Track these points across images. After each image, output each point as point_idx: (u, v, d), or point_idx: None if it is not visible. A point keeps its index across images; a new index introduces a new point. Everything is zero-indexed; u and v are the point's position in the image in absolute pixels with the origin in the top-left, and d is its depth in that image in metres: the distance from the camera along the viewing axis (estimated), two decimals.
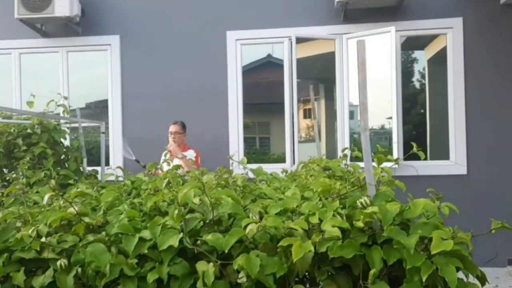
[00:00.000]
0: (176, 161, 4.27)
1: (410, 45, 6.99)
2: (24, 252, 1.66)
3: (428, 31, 5.26)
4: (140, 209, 1.95)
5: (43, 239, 1.61)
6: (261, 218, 1.63)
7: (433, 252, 1.27)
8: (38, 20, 5.21)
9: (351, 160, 3.20)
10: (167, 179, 1.80)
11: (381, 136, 5.47)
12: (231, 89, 5.36)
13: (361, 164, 2.89)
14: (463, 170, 5.06)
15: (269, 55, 7.27)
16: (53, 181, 1.44)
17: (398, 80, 5.06)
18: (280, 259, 1.50)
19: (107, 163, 5.36)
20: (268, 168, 4.64)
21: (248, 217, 1.67)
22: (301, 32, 5.20)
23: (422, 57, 7.77)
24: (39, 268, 1.70)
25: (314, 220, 1.51)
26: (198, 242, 1.59)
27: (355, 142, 5.32)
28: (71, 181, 3.34)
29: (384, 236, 1.41)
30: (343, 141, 5.27)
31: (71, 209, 1.60)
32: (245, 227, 1.49)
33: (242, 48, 5.40)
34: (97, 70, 5.76)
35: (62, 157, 3.65)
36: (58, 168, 3.46)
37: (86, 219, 1.65)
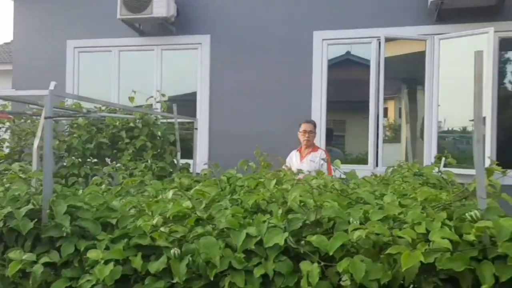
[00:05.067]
0: (304, 164, 4.29)
1: (506, 45, 6.53)
2: (141, 239, 1.84)
3: None
4: (241, 206, 2.06)
5: (159, 229, 1.77)
6: (360, 223, 1.66)
7: None
8: (137, 20, 5.60)
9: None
10: (275, 179, 1.89)
11: (463, 140, 5.20)
12: (315, 88, 5.39)
13: (454, 171, 2.82)
14: None
15: (348, 53, 7.15)
16: (177, 180, 1.58)
17: (494, 84, 4.78)
18: (384, 265, 1.52)
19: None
20: (346, 169, 4.61)
21: (349, 221, 1.71)
22: (391, 32, 5.08)
23: None
24: (151, 254, 1.87)
25: (421, 229, 1.51)
26: (302, 242, 1.65)
27: (442, 146, 5.11)
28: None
29: (496, 252, 1.38)
30: (430, 144, 5.08)
31: (186, 203, 1.74)
32: (351, 231, 1.53)
33: (329, 48, 5.40)
34: (187, 68, 6.06)
35: (159, 150, 3.91)
36: (155, 160, 3.72)
37: (198, 213, 1.79)
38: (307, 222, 1.78)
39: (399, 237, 1.50)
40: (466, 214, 1.51)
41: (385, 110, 6.08)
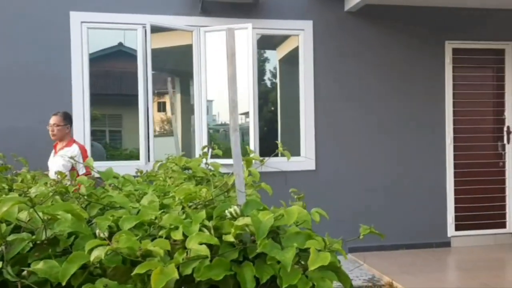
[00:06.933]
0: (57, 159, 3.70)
1: (263, 44, 7.16)
2: None
3: (282, 31, 5.40)
4: None
5: None
6: (111, 234, 1.34)
7: (311, 268, 1.16)
8: None
9: (210, 158, 3.05)
10: None
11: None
12: (76, 77, 4.75)
13: (221, 161, 2.78)
14: (312, 166, 5.35)
15: (120, 44, 6.69)
16: None
17: (254, 77, 5.09)
18: (135, 286, 1.23)
19: None
20: (121, 165, 4.24)
21: (94, 234, 1.36)
22: (157, 20, 4.86)
23: (274, 57, 8.08)
24: None
25: (178, 236, 1.28)
26: (25, 272, 1.22)
27: (212, 138, 5.21)
28: None
29: (257, 251, 1.25)
30: (201, 137, 5.10)
31: None
32: (90, 250, 1.18)
33: (89, 32, 4.82)
34: None
35: None
36: None
37: None
38: (38, 242, 1.35)
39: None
40: (226, 211, 1.35)
41: (161, 104, 5.89)
